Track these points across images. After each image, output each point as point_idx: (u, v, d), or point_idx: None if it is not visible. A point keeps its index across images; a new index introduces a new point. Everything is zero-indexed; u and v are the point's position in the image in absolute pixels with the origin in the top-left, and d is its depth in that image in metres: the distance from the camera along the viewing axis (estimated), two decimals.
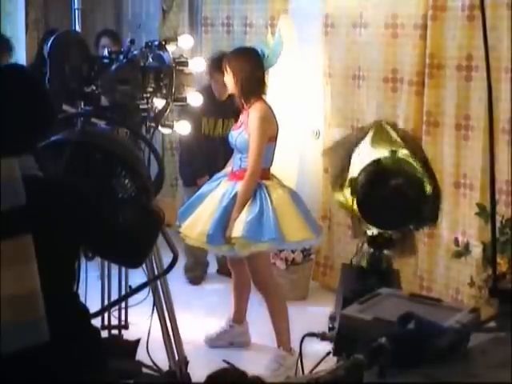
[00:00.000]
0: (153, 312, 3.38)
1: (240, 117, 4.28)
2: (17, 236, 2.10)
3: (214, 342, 4.55)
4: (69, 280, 2.37)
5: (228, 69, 4.18)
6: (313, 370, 1.89)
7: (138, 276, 3.30)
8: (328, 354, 1.94)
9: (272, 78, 5.27)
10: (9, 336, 2.09)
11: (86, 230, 2.32)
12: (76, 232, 2.28)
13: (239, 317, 4.58)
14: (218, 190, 4.24)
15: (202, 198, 4.27)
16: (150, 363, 3.36)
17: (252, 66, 4.17)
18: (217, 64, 4.81)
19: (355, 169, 3.17)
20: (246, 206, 4.09)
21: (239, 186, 4.14)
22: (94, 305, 2.99)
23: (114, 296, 3.54)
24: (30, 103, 2.25)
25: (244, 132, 4.14)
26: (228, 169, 4.39)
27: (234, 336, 4.57)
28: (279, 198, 4.16)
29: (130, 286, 3.48)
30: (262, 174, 4.17)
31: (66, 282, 2.35)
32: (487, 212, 3.94)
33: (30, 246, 2.11)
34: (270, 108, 4.21)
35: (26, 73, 2.34)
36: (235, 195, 4.13)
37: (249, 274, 4.52)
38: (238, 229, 4.05)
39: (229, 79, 4.20)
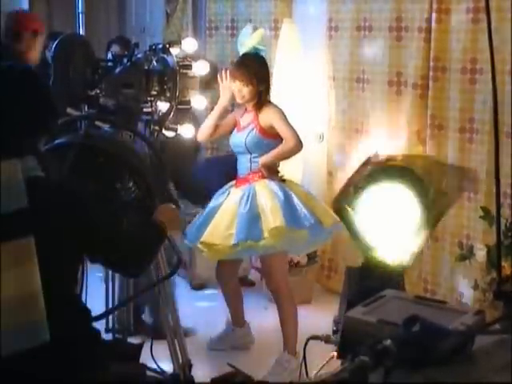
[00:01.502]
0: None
1: (240, 119, 4.25)
2: (19, 238, 2.10)
3: (217, 345, 4.54)
4: (70, 282, 2.36)
5: (251, 78, 4.09)
6: (317, 372, 1.89)
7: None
8: (332, 356, 1.94)
9: (276, 81, 5.27)
10: (9, 337, 2.08)
11: (86, 233, 2.30)
12: (76, 235, 2.27)
13: (239, 320, 4.58)
14: (232, 198, 4.16)
15: (214, 213, 4.16)
16: (154, 366, 3.35)
17: (267, 68, 4.26)
18: None
19: None
20: (271, 198, 4.01)
21: (279, 146, 4.09)
22: (97, 307, 2.99)
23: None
24: (32, 103, 2.25)
25: (255, 130, 4.13)
26: (231, 182, 4.29)
27: (236, 339, 4.55)
28: (298, 188, 4.19)
29: None
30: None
31: (68, 284, 2.35)
32: (492, 215, 3.93)
33: (31, 248, 2.10)
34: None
35: (28, 72, 2.33)
36: (254, 195, 4.04)
37: (237, 281, 4.53)
38: (276, 219, 3.93)
39: (248, 87, 4.11)
